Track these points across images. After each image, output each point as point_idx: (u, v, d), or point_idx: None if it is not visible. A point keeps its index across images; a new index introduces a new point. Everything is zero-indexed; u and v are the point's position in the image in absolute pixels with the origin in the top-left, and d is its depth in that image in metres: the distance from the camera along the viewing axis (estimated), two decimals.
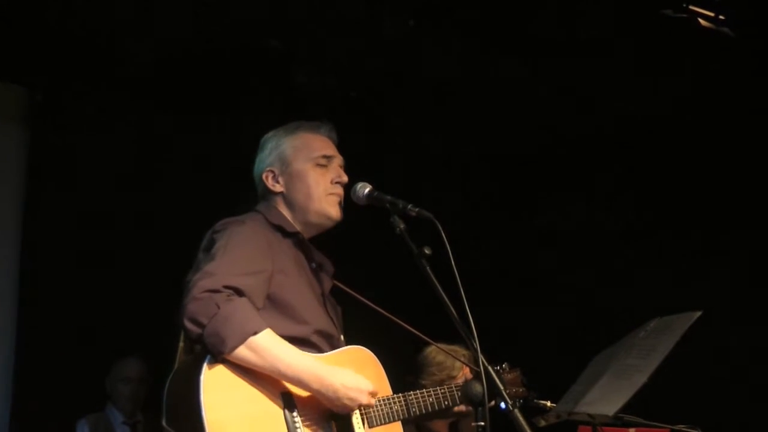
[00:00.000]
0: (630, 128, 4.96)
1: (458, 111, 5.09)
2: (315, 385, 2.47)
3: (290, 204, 2.81)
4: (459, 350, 3.55)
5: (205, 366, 2.38)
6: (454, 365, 3.76)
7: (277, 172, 2.83)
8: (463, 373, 3.72)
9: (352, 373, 2.54)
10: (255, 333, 2.39)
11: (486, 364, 2.40)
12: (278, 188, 2.82)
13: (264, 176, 2.84)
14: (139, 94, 4.67)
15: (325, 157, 2.84)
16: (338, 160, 2.88)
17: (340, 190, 2.83)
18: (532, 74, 4.69)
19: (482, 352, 2.40)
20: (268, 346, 2.41)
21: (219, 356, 2.37)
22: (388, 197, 2.69)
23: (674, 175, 4.93)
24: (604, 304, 4.99)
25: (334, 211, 2.81)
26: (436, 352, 3.75)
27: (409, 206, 2.62)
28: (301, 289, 2.69)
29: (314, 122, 2.92)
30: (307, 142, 2.86)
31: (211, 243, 2.60)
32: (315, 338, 2.65)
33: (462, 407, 3.11)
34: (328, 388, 2.47)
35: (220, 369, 2.40)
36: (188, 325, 2.37)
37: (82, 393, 4.70)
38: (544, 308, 5.30)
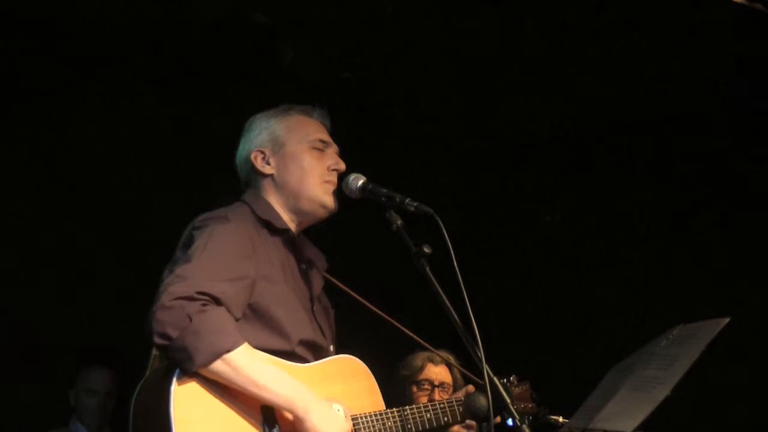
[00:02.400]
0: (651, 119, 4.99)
1: (462, 96, 5.11)
2: (293, 406, 2.45)
3: (281, 188, 2.80)
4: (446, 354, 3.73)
5: (175, 379, 2.37)
6: (412, 363, 3.94)
7: (267, 152, 2.82)
8: (427, 376, 3.92)
9: (329, 409, 2.51)
10: (228, 351, 2.37)
11: (491, 374, 2.40)
12: (268, 170, 2.81)
13: (252, 156, 2.83)
14: (107, 72, 4.65)
15: (321, 141, 2.85)
16: (334, 147, 2.89)
17: (335, 178, 2.83)
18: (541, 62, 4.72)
19: (487, 361, 2.40)
20: (242, 363, 2.39)
21: (187, 372, 2.37)
22: (384, 190, 2.70)
23: (701, 168, 4.96)
24: (620, 309, 5.02)
25: (329, 200, 2.81)
26: (414, 355, 3.96)
27: (407, 200, 2.62)
28: (286, 298, 2.69)
29: (306, 106, 2.92)
30: (301, 124, 2.86)
31: (190, 240, 2.58)
32: (300, 351, 2.65)
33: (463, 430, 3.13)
34: (306, 411, 2.44)
35: (193, 382, 2.39)
36: (155, 336, 2.35)
37: (43, 406, 4.71)
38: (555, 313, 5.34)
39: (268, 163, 2.81)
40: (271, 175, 2.81)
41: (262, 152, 2.82)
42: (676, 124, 4.97)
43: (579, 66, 4.75)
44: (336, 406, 2.63)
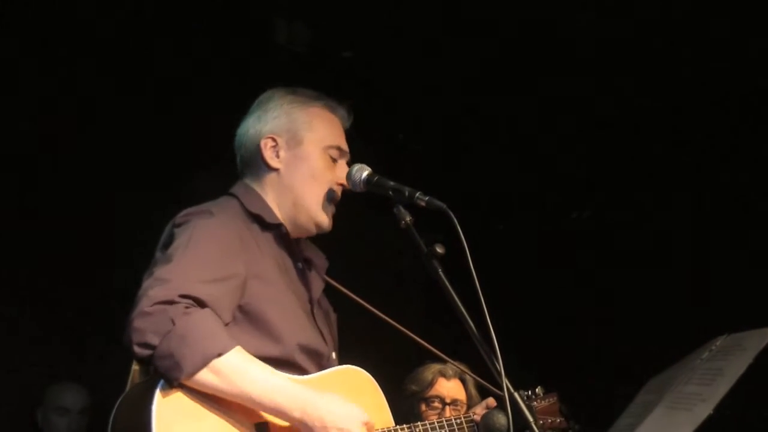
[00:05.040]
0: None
1: (475, 78, 5.12)
2: (297, 414, 2.46)
3: (283, 189, 2.80)
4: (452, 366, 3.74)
5: (158, 392, 2.38)
6: (421, 377, 3.95)
7: (280, 142, 2.80)
8: (437, 392, 3.93)
9: (342, 399, 2.54)
10: (219, 354, 2.38)
11: (511, 389, 2.41)
12: (275, 164, 2.81)
13: (263, 143, 2.81)
14: (66, 51, 4.66)
15: (340, 149, 2.85)
16: (347, 157, 2.88)
17: (339, 196, 2.84)
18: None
19: (507, 374, 2.41)
20: (236, 368, 2.41)
21: (174, 382, 2.38)
22: (391, 183, 2.70)
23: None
24: (657, 316, 5.03)
25: (326, 222, 2.82)
26: (424, 368, 3.95)
27: (417, 194, 2.62)
28: (281, 298, 2.69)
29: (332, 100, 2.90)
30: (326, 124, 2.85)
31: (171, 239, 2.59)
32: (298, 358, 2.66)
33: None
34: (313, 417, 2.46)
35: (178, 396, 2.40)
36: (135, 346, 2.36)
37: (6, 426, 4.72)
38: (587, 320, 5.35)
39: (278, 156, 2.81)
40: (277, 170, 2.81)
41: (275, 140, 2.81)
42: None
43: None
44: None
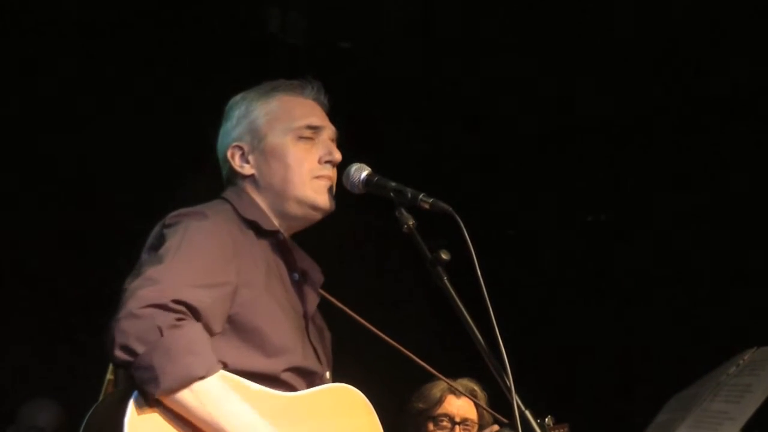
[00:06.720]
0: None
1: (481, 73, 5.12)
2: None
3: (264, 190, 2.80)
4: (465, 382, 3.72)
5: (132, 405, 2.35)
6: (429, 394, 3.93)
7: (246, 148, 2.81)
8: (446, 410, 3.92)
9: None
10: (201, 378, 2.37)
11: (522, 407, 2.39)
12: (247, 170, 2.81)
13: (229, 154, 2.83)
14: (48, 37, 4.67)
15: (310, 127, 2.83)
16: (329, 131, 2.87)
17: (330, 172, 2.81)
18: None
19: (518, 391, 2.40)
20: (215, 395, 2.39)
21: (149, 396, 2.36)
22: (393, 184, 2.69)
23: None
24: (679, 328, 5.03)
25: (322, 199, 2.79)
26: (432, 383, 3.93)
27: (421, 196, 2.61)
28: (274, 310, 2.67)
29: (296, 81, 2.90)
30: (286, 108, 2.85)
31: (160, 240, 2.57)
32: (289, 376, 2.64)
33: None
34: None
35: (152, 412, 2.38)
36: (116, 349, 2.34)
37: None
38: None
39: (247, 161, 2.81)
40: (252, 176, 2.81)
41: (240, 147, 2.82)
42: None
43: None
44: None
